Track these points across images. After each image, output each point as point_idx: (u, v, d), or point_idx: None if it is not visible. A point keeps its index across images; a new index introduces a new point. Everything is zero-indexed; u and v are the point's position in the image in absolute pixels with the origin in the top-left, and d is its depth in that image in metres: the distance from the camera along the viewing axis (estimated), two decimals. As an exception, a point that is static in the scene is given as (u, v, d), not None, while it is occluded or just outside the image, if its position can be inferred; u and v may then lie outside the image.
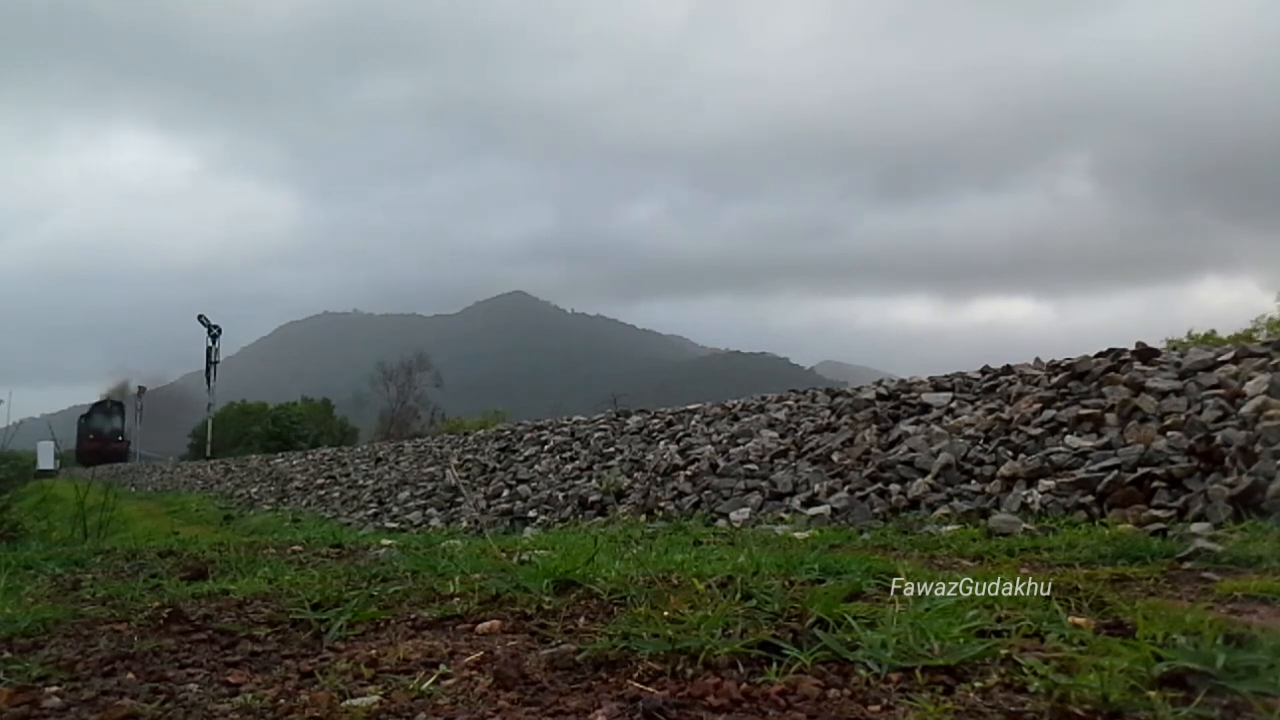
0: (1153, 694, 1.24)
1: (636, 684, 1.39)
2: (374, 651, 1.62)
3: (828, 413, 5.35)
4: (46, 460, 28.41)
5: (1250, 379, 3.55)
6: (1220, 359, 3.82)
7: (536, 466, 7.31)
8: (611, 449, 6.75)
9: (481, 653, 1.56)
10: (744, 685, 1.36)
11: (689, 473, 5.49)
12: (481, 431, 9.56)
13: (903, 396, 5.05)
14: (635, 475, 5.98)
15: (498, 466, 7.93)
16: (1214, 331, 22.24)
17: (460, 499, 7.37)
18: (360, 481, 10.25)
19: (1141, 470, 3.36)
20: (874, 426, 4.86)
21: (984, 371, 5.04)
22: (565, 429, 7.95)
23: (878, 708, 1.28)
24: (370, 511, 8.49)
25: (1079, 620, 1.60)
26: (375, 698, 1.38)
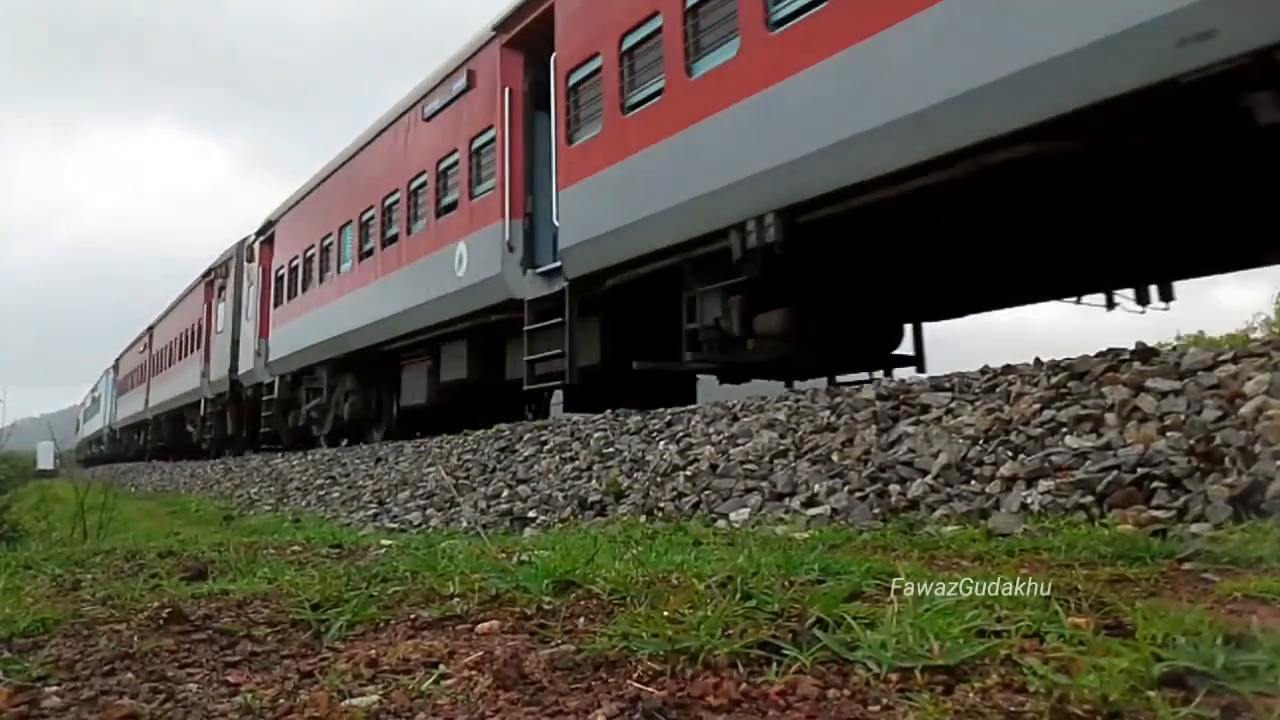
0: (1152, 694, 1.24)
1: (636, 684, 1.39)
2: (373, 651, 1.62)
3: (827, 413, 5.35)
4: (46, 460, 28.53)
5: (1250, 379, 3.54)
6: (1220, 359, 3.81)
7: (536, 466, 7.31)
8: (611, 449, 6.74)
9: (481, 653, 1.56)
10: (743, 685, 1.36)
11: (689, 473, 5.49)
12: (481, 431, 9.56)
13: (902, 397, 5.05)
14: (635, 475, 5.98)
15: (497, 466, 7.92)
16: (1202, 333, 22.29)
17: (460, 499, 7.37)
18: (360, 482, 10.25)
19: (1141, 470, 3.36)
20: (873, 427, 4.86)
21: (983, 372, 5.04)
22: (565, 429, 7.94)
23: (877, 708, 1.28)
24: (370, 512, 8.49)
25: (1079, 620, 1.60)
26: (375, 698, 1.38)
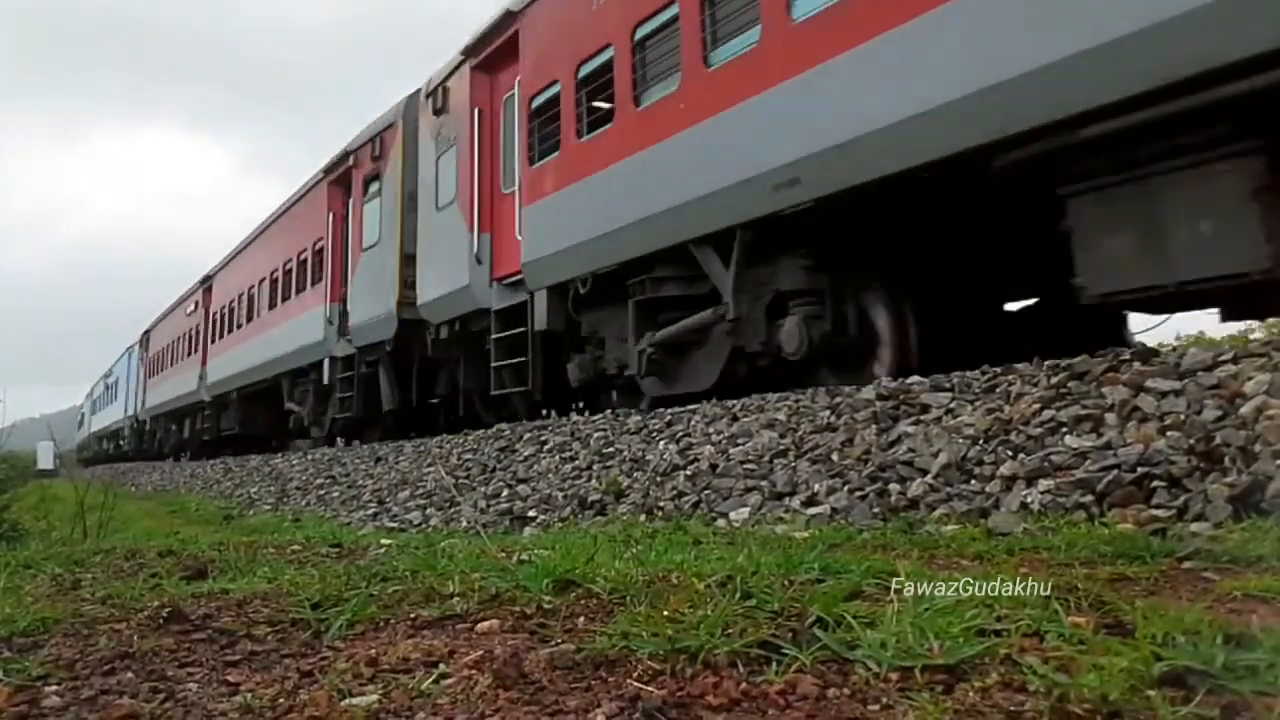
0: (1152, 694, 1.24)
1: (636, 683, 1.39)
2: (373, 651, 1.62)
3: (827, 413, 5.35)
4: (46, 460, 28.51)
5: (1250, 379, 3.55)
6: (1220, 359, 3.81)
7: (536, 466, 7.31)
8: (611, 449, 6.74)
9: (481, 652, 1.56)
10: (743, 684, 1.36)
11: (689, 472, 5.49)
12: (481, 431, 9.56)
13: (902, 397, 5.05)
14: (635, 475, 5.98)
15: (497, 466, 7.93)
16: (1202, 333, 22.24)
17: (460, 499, 7.38)
18: (360, 481, 10.25)
19: (1141, 470, 3.36)
20: (873, 426, 4.86)
21: (983, 372, 5.04)
22: (565, 428, 7.94)
23: (877, 707, 1.28)
24: (370, 511, 8.49)
25: (1079, 620, 1.60)
26: (375, 697, 1.38)
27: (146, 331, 31.16)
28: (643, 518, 5.18)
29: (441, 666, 1.51)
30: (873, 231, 6.14)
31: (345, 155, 14.30)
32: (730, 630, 1.59)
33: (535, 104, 9.43)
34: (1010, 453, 3.94)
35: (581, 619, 1.80)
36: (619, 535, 3.76)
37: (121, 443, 35.59)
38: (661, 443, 6.27)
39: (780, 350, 6.66)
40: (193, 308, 24.02)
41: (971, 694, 1.29)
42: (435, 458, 9.17)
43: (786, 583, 1.95)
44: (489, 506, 6.88)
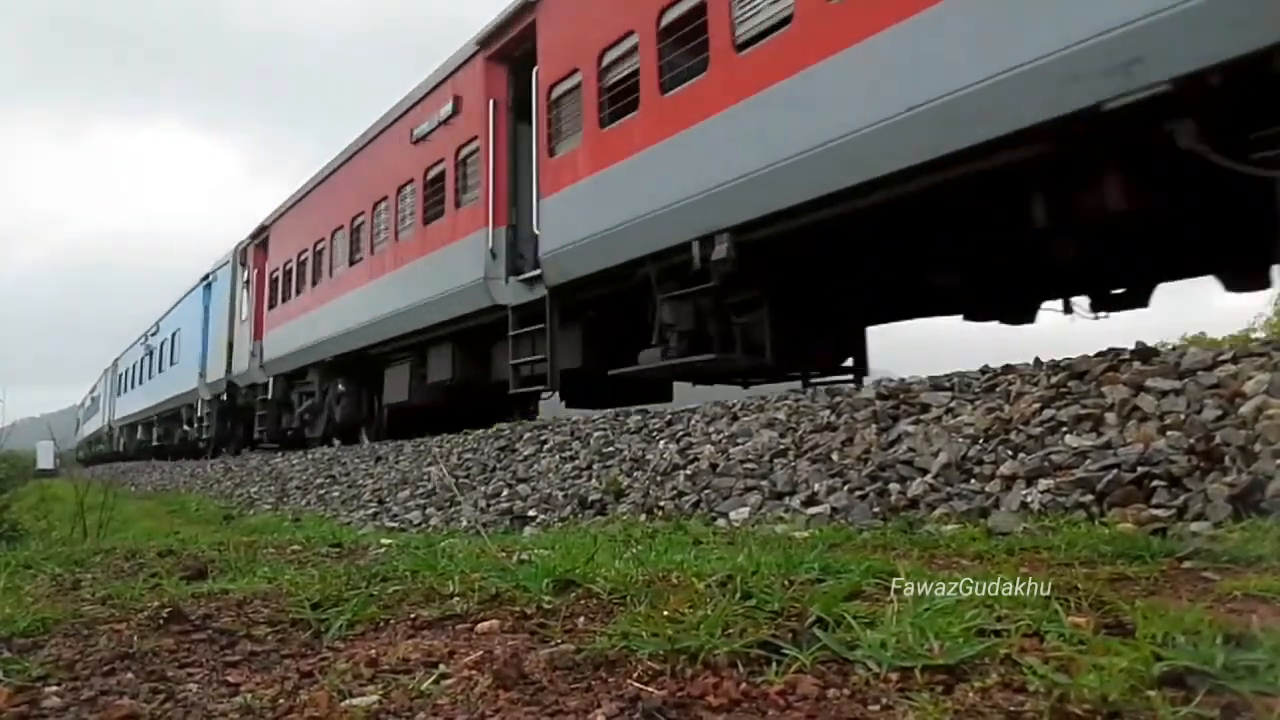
0: (1152, 694, 1.24)
1: (636, 683, 1.39)
2: (373, 651, 1.62)
3: (827, 412, 5.35)
4: (46, 460, 28.43)
5: (1250, 378, 3.55)
6: (1220, 359, 3.81)
7: (536, 466, 7.31)
8: (611, 448, 6.74)
9: (481, 652, 1.56)
10: (743, 684, 1.36)
11: (689, 472, 5.49)
12: (481, 431, 9.56)
13: (902, 396, 5.05)
14: (635, 474, 5.98)
15: (498, 466, 7.93)
16: (1203, 334, 22.37)
17: (460, 498, 7.37)
18: (360, 481, 10.25)
19: (1141, 469, 3.36)
20: (873, 426, 4.86)
21: (983, 371, 5.04)
22: (565, 428, 7.94)
23: (877, 707, 1.28)
24: (370, 511, 8.49)
25: (1079, 619, 1.60)
26: (375, 697, 1.38)
27: (262, 229, 18.09)
28: (643, 517, 5.18)
29: (441, 667, 1.51)
30: None
31: None
32: (730, 630, 1.58)
33: None
34: (1010, 452, 3.94)
35: (581, 619, 1.80)
36: (619, 535, 3.76)
37: (191, 428, 22.42)
38: (662, 442, 6.27)
39: None
40: (449, 110, 10.94)
41: (971, 694, 1.29)
42: (436, 457, 9.17)
43: (786, 583, 1.95)
44: (489, 506, 6.88)
